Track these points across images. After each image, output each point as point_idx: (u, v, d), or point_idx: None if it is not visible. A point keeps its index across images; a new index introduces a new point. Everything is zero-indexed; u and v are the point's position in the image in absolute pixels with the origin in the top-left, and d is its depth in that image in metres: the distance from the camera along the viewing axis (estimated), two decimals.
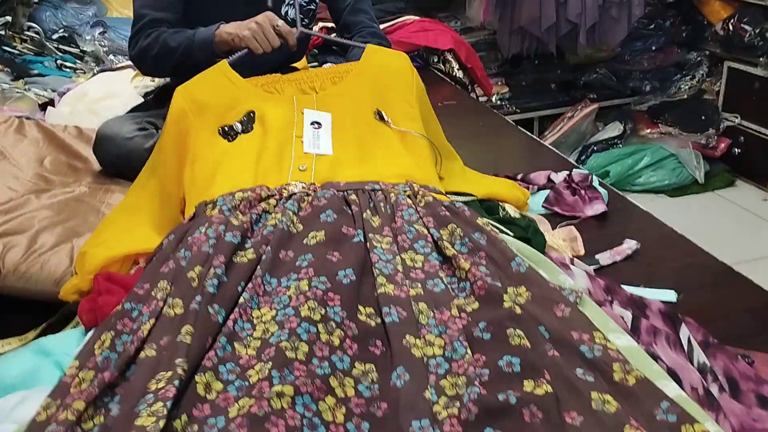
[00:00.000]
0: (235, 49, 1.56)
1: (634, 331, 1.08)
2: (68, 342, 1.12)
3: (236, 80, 1.46)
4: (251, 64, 1.56)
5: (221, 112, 1.40)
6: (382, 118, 1.42)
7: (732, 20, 3.41)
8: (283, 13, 1.79)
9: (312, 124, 1.40)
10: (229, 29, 1.57)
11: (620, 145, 3.58)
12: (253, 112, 1.41)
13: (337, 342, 0.94)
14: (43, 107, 2.17)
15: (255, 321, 0.99)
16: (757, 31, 3.27)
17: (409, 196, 1.25)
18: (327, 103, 1.45)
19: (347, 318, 0.98)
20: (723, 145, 3.49)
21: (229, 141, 1.36)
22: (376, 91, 1.47)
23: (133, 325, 0.99)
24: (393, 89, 1.48)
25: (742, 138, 3.45)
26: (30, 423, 0.85)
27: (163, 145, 1.40)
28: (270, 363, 0.88)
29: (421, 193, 1.26)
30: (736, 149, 3.48)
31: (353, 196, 1.22)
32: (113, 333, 0.98)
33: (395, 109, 1.45)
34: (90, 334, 1.11)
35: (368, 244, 1.12)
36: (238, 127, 1.38)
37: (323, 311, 0.96)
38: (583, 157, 3.56)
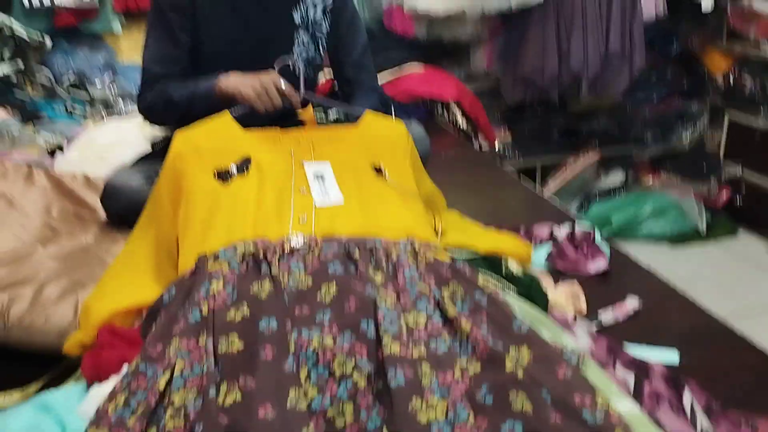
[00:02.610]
0: (237, 100, 1.59)
1: (637, 396, 1.08)
2: (69, 398, 1.11)
3: (235, 129, 1.49)
4: (255, 114, 1.58)
5: (217, 157, 1.41)
6: (379, 171, 1.45)
7: (733, 72, 3.45)
8: (291, 66, 1.82)
9: (316, 177, 1.41)
10: (230, 84, 1.60)
11: (622, 194, 3.59)
12: (250, 158, 1.42)
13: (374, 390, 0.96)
14: (52, 152, 2.20)
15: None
16: (757, 83, 3.31)
17: (410, 254, 1.26)
18: (324, 155, 1.47)
19: (374, 372, 0.98)
20: (725, 195, 3.51)
21: (222, 183, 1.37)
22: (372, 152, 1.50)
23: (147, 384, 0.99)
24: (389, 153, 1.52)
25: (744, 188, 3.47)
26: None
27: (159, 188, 1.42)
28: None
29: (422, 251, 1.27)
30: (738, 199, 3.49)
31: (356, 253, 1.23)
32: (127, 392, 0.97)
33: (390, 169, 1.48)
34: (94, 389, 1.11)
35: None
36: (233, 169, 1.39)
37: (353, 361, 0.97)
38: (586, 205, 3.57)
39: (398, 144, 1.55)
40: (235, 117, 1.51)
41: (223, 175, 1.39)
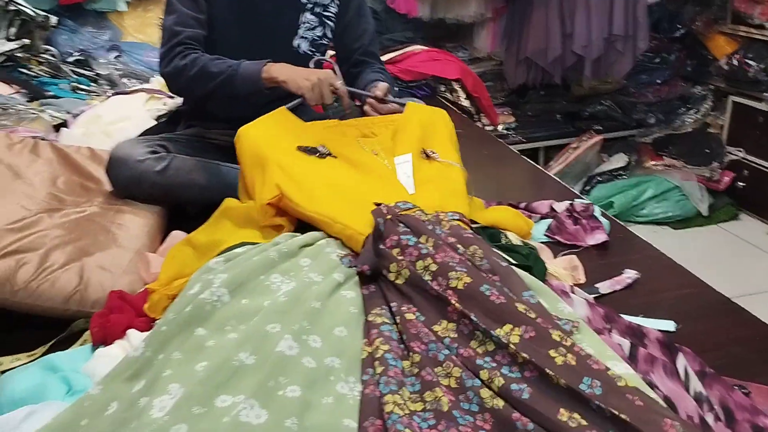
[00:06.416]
0: (280, 89, 1.61)
1: (632, 359, 1.10)
2: (75, 359, 1.14)
3: (298, 120, 1.56)
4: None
5: (291, 139, 1.48)
6: (428, 156, 1.52)
7: (737, 55, 3.45)
8: (295, 45, 1.83)
9: (402, 169, 1.49)
10: (281, 73, 1.61)
11: (625, 177, 3.60)
12: (324, 146, 1.49)
13: None
14: (57, 129, 2.21)
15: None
16: (762, 66, 3.31)
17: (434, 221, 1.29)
18: (386, 147, 1.54)
19: None
20: (727, 178, 3.51)
21: (318, 158, 1.43)
22: (423, 135, 1.58)
23: None
24: (436, 135, 1.60)
25: (746, 172, 3.48)
26: None
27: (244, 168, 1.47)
28: None
29: (446, 219, 1.30)
30: (740, 183, 3.50)
31: None
32: None
33: (438, 149, 1.56)
34: (99, 350, 1.14)
35: None
36: (323, 149, 1.45)
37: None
38: (588, 187, 3.58)
39: (443, 125, 1.63)
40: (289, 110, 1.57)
41: (313, 151, 1.45)
